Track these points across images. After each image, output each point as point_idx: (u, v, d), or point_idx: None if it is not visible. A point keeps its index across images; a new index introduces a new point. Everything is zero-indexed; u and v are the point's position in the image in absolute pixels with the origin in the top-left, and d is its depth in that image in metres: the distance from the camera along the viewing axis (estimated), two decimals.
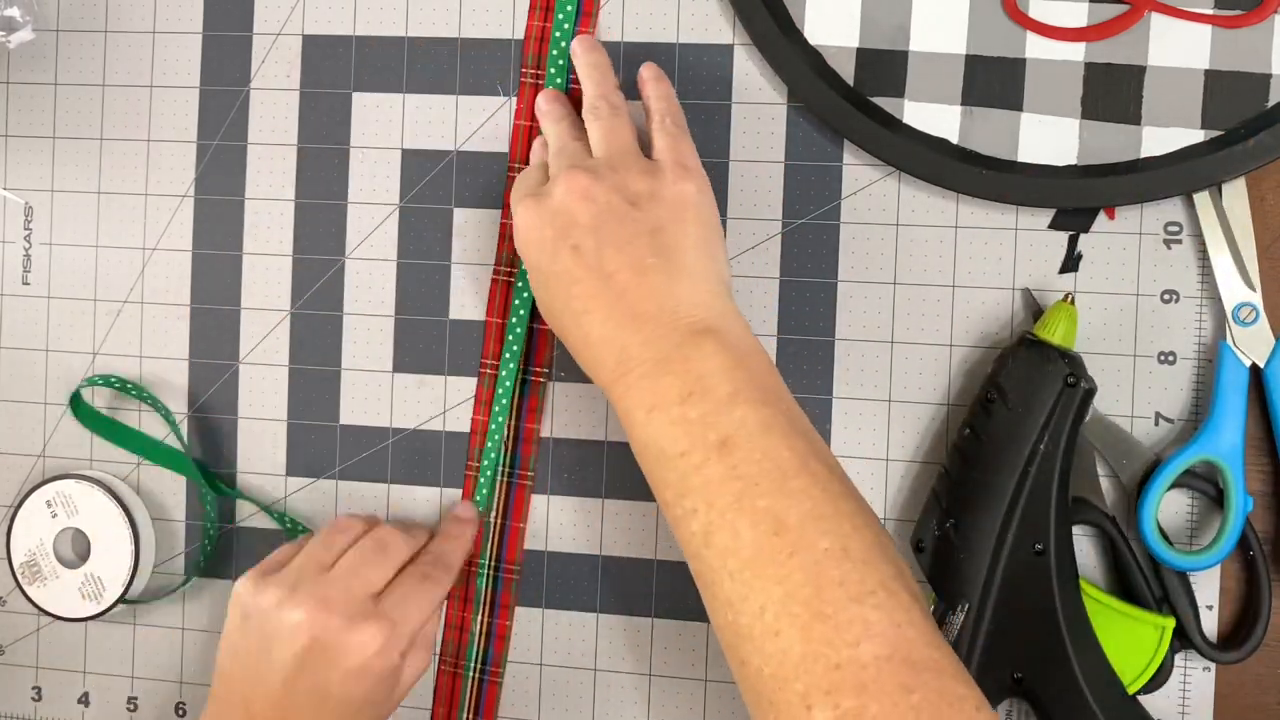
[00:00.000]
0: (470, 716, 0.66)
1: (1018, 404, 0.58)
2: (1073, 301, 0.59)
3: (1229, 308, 0.59)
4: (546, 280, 0.56)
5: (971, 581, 0.58)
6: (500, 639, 0.65)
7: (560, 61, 0.64)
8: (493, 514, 0.65)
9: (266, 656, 0.57)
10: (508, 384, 0.65)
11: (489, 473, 0.65)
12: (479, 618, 0.65)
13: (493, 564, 0.65)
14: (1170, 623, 0.58)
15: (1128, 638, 0.58)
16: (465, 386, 0.67)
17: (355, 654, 0.57)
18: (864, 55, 0.62)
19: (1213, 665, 0.61)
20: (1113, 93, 0.60)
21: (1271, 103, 0.59)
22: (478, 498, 0.65)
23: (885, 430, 0.63)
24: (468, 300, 0.66)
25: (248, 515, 0.68)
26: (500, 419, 0.65)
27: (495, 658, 0.65)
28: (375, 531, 0.61)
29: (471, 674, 0.65)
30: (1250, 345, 0.59)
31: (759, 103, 0.64)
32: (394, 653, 0.58)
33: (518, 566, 0.65)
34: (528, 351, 0.65)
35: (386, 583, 0.60)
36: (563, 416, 0.66)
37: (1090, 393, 0.58)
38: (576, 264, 0.54)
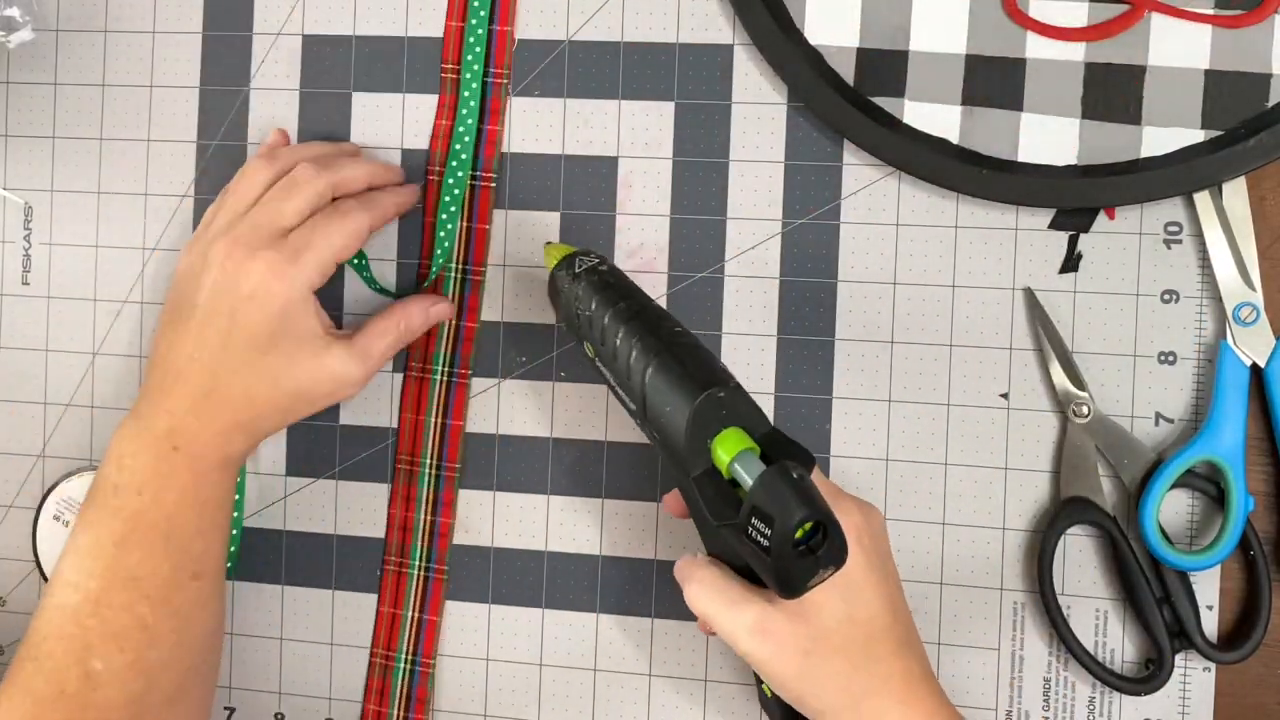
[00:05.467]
0: (416, 609, 0.67)
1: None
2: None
3: (1229, 308, 0.59)
4: None
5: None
6: (444, 536, 0.66)
7: (475, 67, 0.65)
8: (433, 414, 0.66)
9: (189, 296, 0.60)
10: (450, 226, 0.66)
11: (440, 260, 0.66)
12: (422, 515, 0.66)
13: (435, 463, 0.66)
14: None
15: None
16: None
17: (252, 278, 0.58)
18: (864, 55, 0.62)
19: (1213, 665, 0.61)
20: (1113, 93, 0.60)
21: (1271, 103, 0.59)
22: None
23: (885, 430, 0.63)
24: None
25: (247, 515, 0.68)
26: (450, 225, 0.66)
27: (440, 554, 0.66)
28: (294, 171, 0.62)
29: (417, 570, 0.66)
30: (1250, 345, 0.59)
31: (759, 103, 0.64)
32: (292, 279, 0.59)
33: (459, 465, 0.66)
34: (465, 252, 0.66)
35: (301, 216, 0.61)
36: (563, 416, 0.66)
37: (595, 268, 0.57)
38: None
